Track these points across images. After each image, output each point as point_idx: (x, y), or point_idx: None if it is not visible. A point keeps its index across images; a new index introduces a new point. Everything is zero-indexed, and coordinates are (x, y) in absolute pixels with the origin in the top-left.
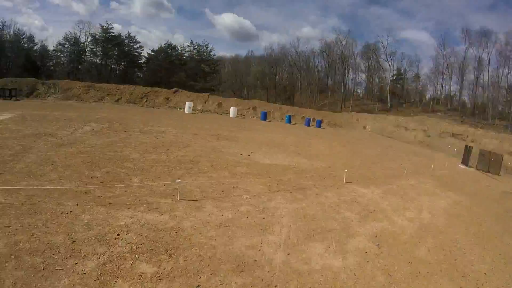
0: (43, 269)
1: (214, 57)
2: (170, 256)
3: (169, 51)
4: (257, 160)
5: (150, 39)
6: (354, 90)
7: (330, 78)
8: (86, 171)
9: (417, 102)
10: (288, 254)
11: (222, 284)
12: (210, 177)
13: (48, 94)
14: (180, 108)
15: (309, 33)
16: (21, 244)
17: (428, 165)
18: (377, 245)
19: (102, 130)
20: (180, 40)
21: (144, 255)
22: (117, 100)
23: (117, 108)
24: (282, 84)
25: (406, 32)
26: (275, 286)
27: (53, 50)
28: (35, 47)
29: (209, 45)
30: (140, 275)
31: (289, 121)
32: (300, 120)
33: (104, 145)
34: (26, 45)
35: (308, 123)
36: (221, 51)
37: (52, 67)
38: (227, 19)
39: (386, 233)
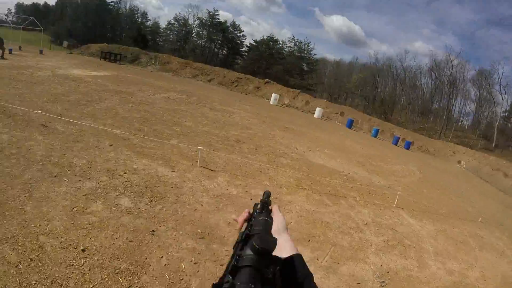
0: (55, 176)
1: (314, 56)
2: (151, 201)
3: (271, 43)
4: (309, 158)
5: (257, 31)
6: (459, 119)
7: (435, 101)
8: (137, 124)
9: None
10: None
11: (174, 239)
12: (243, 157)
13: (148, 64)
14: (267, 99)
15: (420, 48)
16: (52, 158)
17: None
18: (382, 282)
19: (177, 99)
20: (287, 35)
21: (132, 193)
22: (209, 80)
23: (204, 87)
24: (382, 96)
25: None
26: (222, 265)
27: (164, 28)
28: (148, 23)
29: (310, 43)
30: (117, 204)
31: (375, 135)
32: (388, 137)
33: (168, 110)
34: (139, 20)
35: (396, 142)
36: (325, 53)
37: (160, 43)
38: (336, 21)
39: (404, 275)
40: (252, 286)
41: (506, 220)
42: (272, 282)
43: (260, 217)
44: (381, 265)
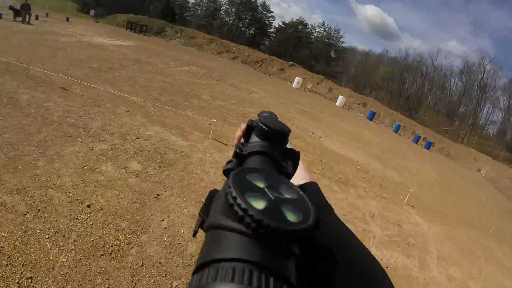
0: (69, 136)
1: (343, 44)
2: (159, 167)
3: (300, 27)
4: (324, 144)
5: (287, 13)
6: (484, 126)
7: (462, 105)
8: (155, 94)
9: None
10: None
11: (177, 205)
12: None
13: (173, 38)
14: (289, 82)
15: (453, 48)
16: (68, 119)
17: None
18: None
19: (197, 73)
20: (317, 20)
21: (141, 157)
22: (233, 58)
23: (227, 64)
24: (408, 93)
25: None
26: None
27: (192, 3)
28: None
29: (340, 31)
30: (125, 167)
31: (396, 130)
32: (410, 134)
33: (187, 83)
34: None
35: (416, 140)
36: (355, 42)
37: (188, 18)
38: (370, 11)
39: (403, 273)
40: (268, 170)
41: None
42: (290, 176)
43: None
44: (381, 259)
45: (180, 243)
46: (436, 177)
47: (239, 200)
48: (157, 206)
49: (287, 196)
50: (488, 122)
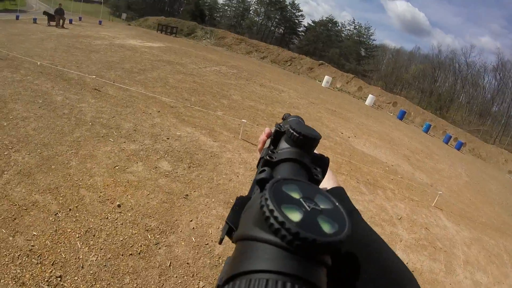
0: (102, 137)
1: (373, 41)
2: (189, 167)
3: (329, 25)
4: (352, 144)
5: (316, 11)
6: None
7: (496, 104)
8: (185, 94)
9: None
10: None
11: (205, 205)
12: None
13: (203, 38)
14: (319, 81)
15: (486, 43)
16: (101, 119)
17: None
18: None
19: (227, 73)
20: (347, 18)
21: (172, 158)
22: (263, 58)
23: (257, 63)
24: (440, 91)
25: None
26: None
27: (222, 4)
28: None
29: (371, 28)
30: (156, 167)
31: (426, 130)
32: (440, 134)
33: (217, 83)
34: None
35: (447, 141)
36: (385, 39)
37: (217, 18)
38: (400, 7)
39: (429, 277)
40: (301, 179)
41: None
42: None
43: (289, 118)
44: (407, 263)
45: (208, 243)
46: (466, 179)
47: (276, 213)
48: (186, 207)
49: (323, 206)
50: None
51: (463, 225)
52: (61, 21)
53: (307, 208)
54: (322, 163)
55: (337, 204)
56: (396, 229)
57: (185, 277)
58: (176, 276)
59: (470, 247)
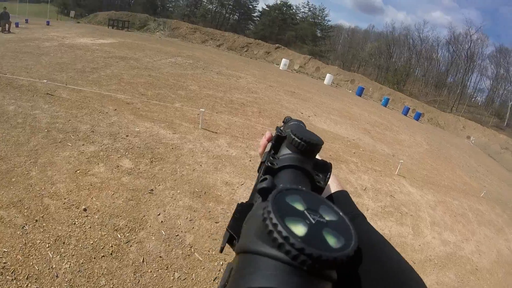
0: (59, 142)
1: (328, 22)
2: (151, 162)
3: (284, 9)
4: (313, 123)
5: None
6: (473, 95)
7: (450, 75)
8: (141, 89)
9: None
10: None
11: (171, 198)
12: (246, 120)
13: (157, 30)
14: (276, 64)
15: (438, 18)
16: (56, 125)
17: None
18: None
19: (183, 64)
20: (301, 1)
21: (133, 155)
22: (219, 46)
23: (213, 52)
24: (396, 66)
25: None
26: (216, 223)
27: None
28: None
29: (325, 9)
30: (118, 166)
31: (385, 104)
32: (399, 107)
33: (173, 75)
34: None
35: (405, 112)
36: (340, 19)
37: (170, 9)
38: None
39: (398, 241)
40: (301, 187)
41: (509, 199)
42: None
43: (290, 122)
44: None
45: (178, 235)
46: (427, 147)
47: (280, 228)
48: (152, 201)
49: (328, 218)
50: (476, 91)
51: (426, 189)
52: (7, 25)
53: (312, 220)
54: (325, 169)
55: (341, 214)
56: (361, 199)
57: (160, 270)
58: (151, 271)
59: (435, 209)
